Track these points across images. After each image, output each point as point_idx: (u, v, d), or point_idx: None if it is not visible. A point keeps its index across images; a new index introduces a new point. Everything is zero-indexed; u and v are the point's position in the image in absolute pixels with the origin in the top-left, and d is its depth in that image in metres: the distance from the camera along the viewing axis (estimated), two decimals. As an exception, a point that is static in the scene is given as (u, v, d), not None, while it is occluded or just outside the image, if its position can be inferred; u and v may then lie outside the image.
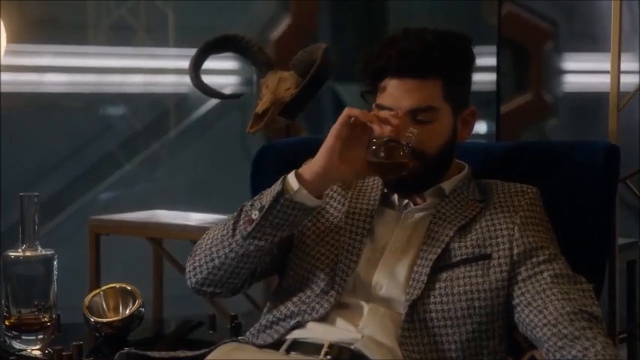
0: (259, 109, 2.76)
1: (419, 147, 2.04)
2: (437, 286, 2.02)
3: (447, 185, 2.14)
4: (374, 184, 2.19)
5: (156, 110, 5.12)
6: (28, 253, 2.41)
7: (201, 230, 3.42)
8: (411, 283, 2.03)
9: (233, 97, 3.01)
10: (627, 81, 2.92)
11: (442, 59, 2.06)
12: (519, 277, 2.02)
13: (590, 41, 4.82)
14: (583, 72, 5.02)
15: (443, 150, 2.10)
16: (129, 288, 2.57)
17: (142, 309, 2.54)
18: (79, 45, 4.91)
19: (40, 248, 2.42)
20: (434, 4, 4.92)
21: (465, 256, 2.04)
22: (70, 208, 4.84)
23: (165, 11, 5.00)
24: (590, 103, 4.85)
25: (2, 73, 4.38)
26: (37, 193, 2.42)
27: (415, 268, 2.04)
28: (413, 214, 2.13)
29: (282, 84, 2.79)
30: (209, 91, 2.83)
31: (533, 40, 4.88)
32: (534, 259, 2.03)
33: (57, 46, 4.84)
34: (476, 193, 2.14)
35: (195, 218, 3.56)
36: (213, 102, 4.94)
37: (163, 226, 3.49)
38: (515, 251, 2.04)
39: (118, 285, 2.58)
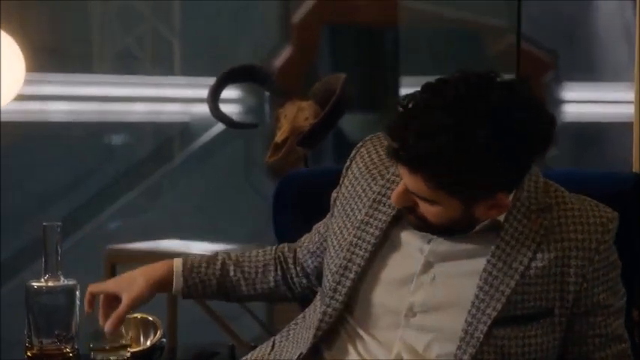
0: (278, 138, 2.78)
1: (424, 216, 1.85)
2: (492, 342, 1.85)
3: (501, 216, 1.86)
4: None
5: (159, 138, 5.12)
6: (50, 284, 2.40)
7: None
8: (463, 336, 1.85)
9: (250, 126, 3.03)
10: (624, 111, 2.94)
11: (421, 157, 1.76)
12: (570, 334, 1.90)
13: (590, 71, 4.85)
14: (583, 102, 5.05)
15: (456, 223, 1.85)
16: (150, 319, 2.55)
17: (164, 339, 2.52)
18: (84, 73, 4.92)
19: (62, 278, 2.41)
20: (433, 33, 4.94)
21: (525, 311, 1.86)
22: (74, 236, 4.82)
23: (171, 40, 5.01)
24: (590, 132, 4.88)
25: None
26: (59, 223, 2.39)
27: (469, 319, 1.85)
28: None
29: (300, 113, 2.80)
30: (228, 122, 2.84)
31: (533, 70, 4.90)
32: (593, 319, 1.90)
33: (62, 74, 4.85)
34: (533, 199, 1.89)
35: (210, 249, 3.55)
36: (215, 130, 4.95)
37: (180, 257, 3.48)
38: (576, 310, 1.89)
39: (139, 315, 2.57)
